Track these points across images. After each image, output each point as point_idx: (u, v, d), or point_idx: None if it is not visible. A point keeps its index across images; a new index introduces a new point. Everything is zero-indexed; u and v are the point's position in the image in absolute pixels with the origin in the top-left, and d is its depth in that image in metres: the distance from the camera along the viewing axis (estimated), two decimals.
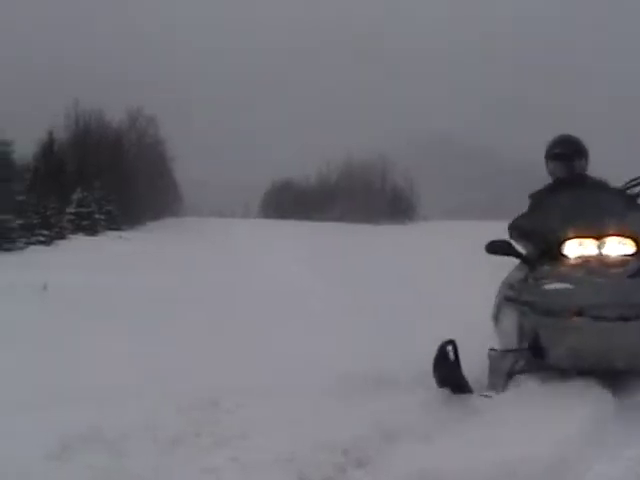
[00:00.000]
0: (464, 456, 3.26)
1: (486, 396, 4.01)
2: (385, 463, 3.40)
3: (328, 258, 21.23)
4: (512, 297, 4.45)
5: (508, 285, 4.69)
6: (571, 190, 4.42)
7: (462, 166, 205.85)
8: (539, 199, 4.69)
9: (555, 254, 4.05)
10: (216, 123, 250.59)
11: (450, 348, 4.02)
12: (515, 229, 4.55)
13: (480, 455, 3.24)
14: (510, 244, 4.47)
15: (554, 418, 3.53)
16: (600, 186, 4.62)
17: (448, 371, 4.00)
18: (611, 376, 3.91)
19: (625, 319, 3.72)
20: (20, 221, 27.46)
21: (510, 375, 4.12)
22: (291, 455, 3.41)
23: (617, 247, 3.97)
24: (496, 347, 4.44)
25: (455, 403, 3.98)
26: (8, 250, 24.87)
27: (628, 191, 4.49)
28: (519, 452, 3.20)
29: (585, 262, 3.93)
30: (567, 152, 4.64)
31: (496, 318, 4.87)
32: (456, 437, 3.55)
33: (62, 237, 32.58)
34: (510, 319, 4.44)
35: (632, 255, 3.95)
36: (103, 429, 3.74)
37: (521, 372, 4.13)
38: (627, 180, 4.56)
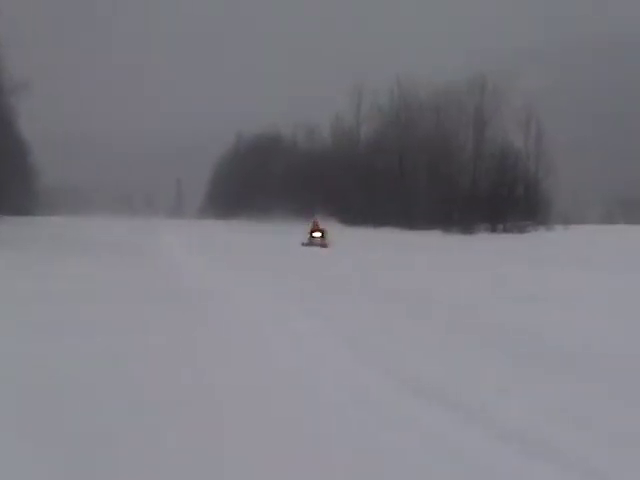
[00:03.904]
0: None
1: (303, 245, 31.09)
2: None
3: None
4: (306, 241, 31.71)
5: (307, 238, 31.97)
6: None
7: None
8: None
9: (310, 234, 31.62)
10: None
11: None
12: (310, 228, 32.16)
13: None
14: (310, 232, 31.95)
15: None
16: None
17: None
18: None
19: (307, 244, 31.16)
20: None
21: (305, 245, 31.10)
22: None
23: (318, 234, 31.35)
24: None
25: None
26: None
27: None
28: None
29: (312, 237, 31.44)
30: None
31: (304, 242, 31.39)
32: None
33: None
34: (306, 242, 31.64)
35: (321, 236, 31.31)
36: None
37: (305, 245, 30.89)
38: None
